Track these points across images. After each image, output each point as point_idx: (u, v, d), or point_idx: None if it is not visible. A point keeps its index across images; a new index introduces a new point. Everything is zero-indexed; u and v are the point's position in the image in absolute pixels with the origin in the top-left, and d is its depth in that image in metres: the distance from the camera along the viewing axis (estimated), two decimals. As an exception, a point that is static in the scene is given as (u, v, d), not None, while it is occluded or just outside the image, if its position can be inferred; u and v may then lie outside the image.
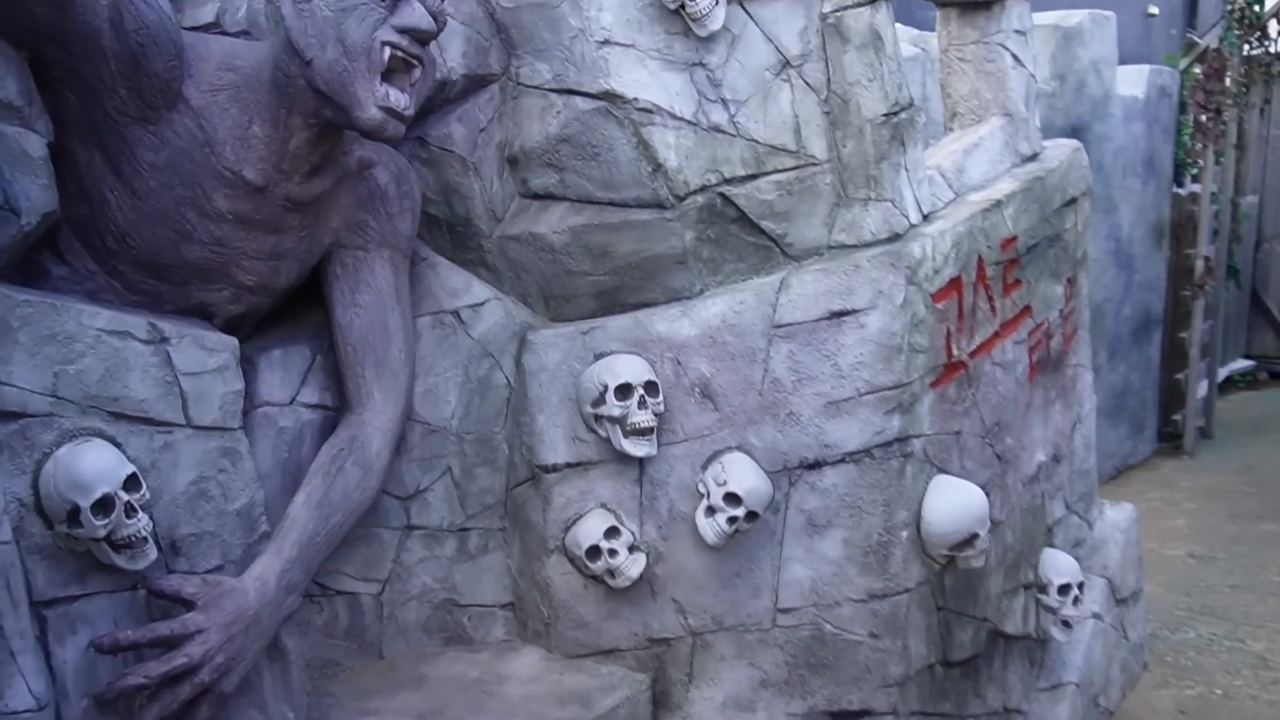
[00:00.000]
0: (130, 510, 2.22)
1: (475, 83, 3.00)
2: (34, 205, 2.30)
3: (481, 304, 3.05)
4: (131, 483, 2.24)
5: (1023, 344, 3.45)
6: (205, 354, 2.46)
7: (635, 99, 2.85)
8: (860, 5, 2.91)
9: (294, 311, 2.93)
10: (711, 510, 2.89)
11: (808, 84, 2.93)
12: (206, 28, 2.62)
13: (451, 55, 2.91)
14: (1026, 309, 3.48)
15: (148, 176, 2.43)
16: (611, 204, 2.94)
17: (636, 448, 2.90)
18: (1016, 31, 3.77)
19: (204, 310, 2.63)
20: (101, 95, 2.34)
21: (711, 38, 2.87)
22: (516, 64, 2.98)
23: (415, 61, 2.43)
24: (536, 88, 2.96)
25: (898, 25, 5.85)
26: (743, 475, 2.86)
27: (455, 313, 3.03)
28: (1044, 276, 3.63)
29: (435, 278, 3.05)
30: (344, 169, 2.70)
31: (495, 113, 3.03)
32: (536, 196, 3.05)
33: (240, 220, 2.55)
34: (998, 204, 3.32)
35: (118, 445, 2.28)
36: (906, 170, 3.03)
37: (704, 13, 2.83)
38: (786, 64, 2.92)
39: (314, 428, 2.81)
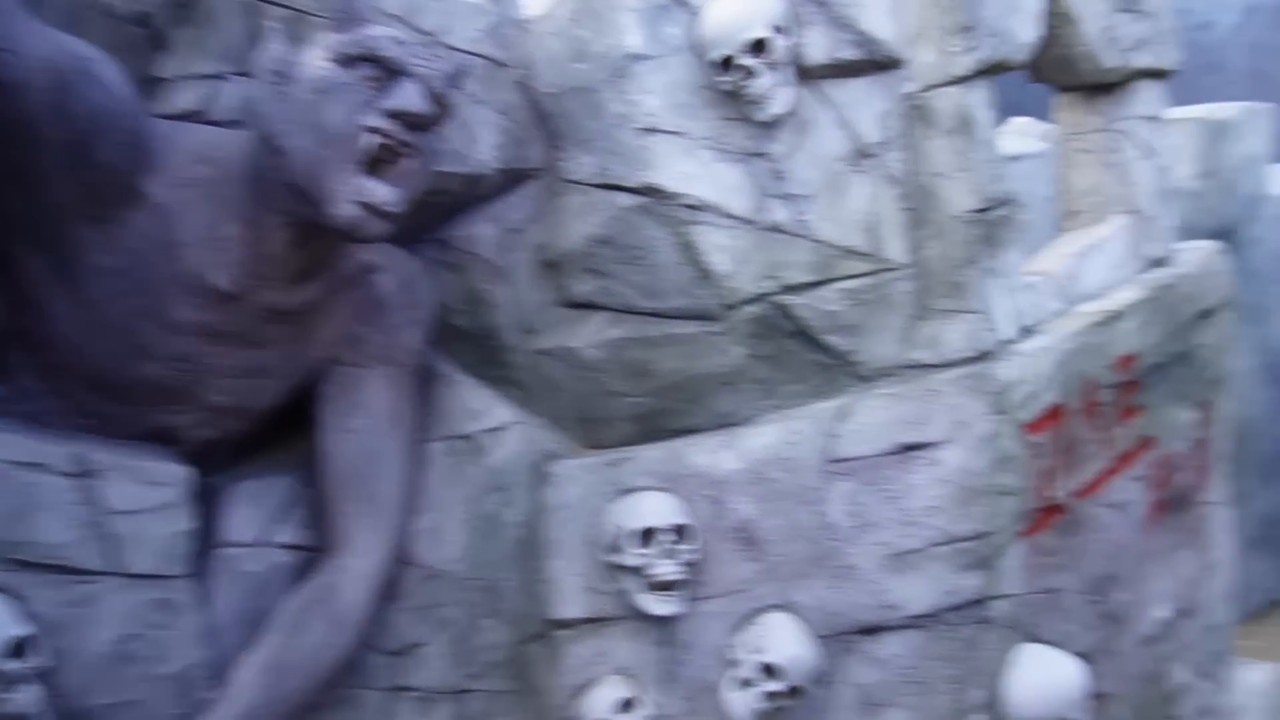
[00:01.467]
0: (16, 681, 1.93)
1: (511, 178, 2.67)
2: (-43, 318, 2.03)
3: (501, 428, 2.67)
4: (20, 648, 1.95)
5: (1142, 480, 3.01)
6: (144, 489, 2.16)
7: (681, 194, 2.52)
8: (950, 84, 2.53)
9: (290, 439, 2.55)
10: (745, 683, 2.45)
11: (888, 176, 2.56)
12: (188, 116, 2.28)
13: (484, 148, 2.59)
14: (1148, 440, 3.02)
15: (96, 283, 2.13)
16: (654, 315, 2.59)
17: (659, 604, 2.49)
18: (1146, 118, 3.29)
19: (166, 435, 2.30)
20: (43, 190, 2.05)
21: (775, 123, 2.53)
22: (559, 157, 2.67)
23: (408, 150, 2.09)
24: (579, 183, 2.63)
25: (1028, 118, 5.49)
26: (784, 642, 2.47)
27: (468, 437, 2.65)
28: (1171, 401, 3.15)
29: (454, 397, 2.68)
30: (340, 275, 2.37)
31: (532, 212, 2.71)
32: (576, 306, 2.70)
33: (207, 333, 2.23)
34: (1115, 316, 2.88)
35: (22, 600, 1.98)
36: (999, 276, 2.62)
37: (763, 94, 2.47)
38: (863, 153, 2.56)
39: (287, 571, 2.43)
